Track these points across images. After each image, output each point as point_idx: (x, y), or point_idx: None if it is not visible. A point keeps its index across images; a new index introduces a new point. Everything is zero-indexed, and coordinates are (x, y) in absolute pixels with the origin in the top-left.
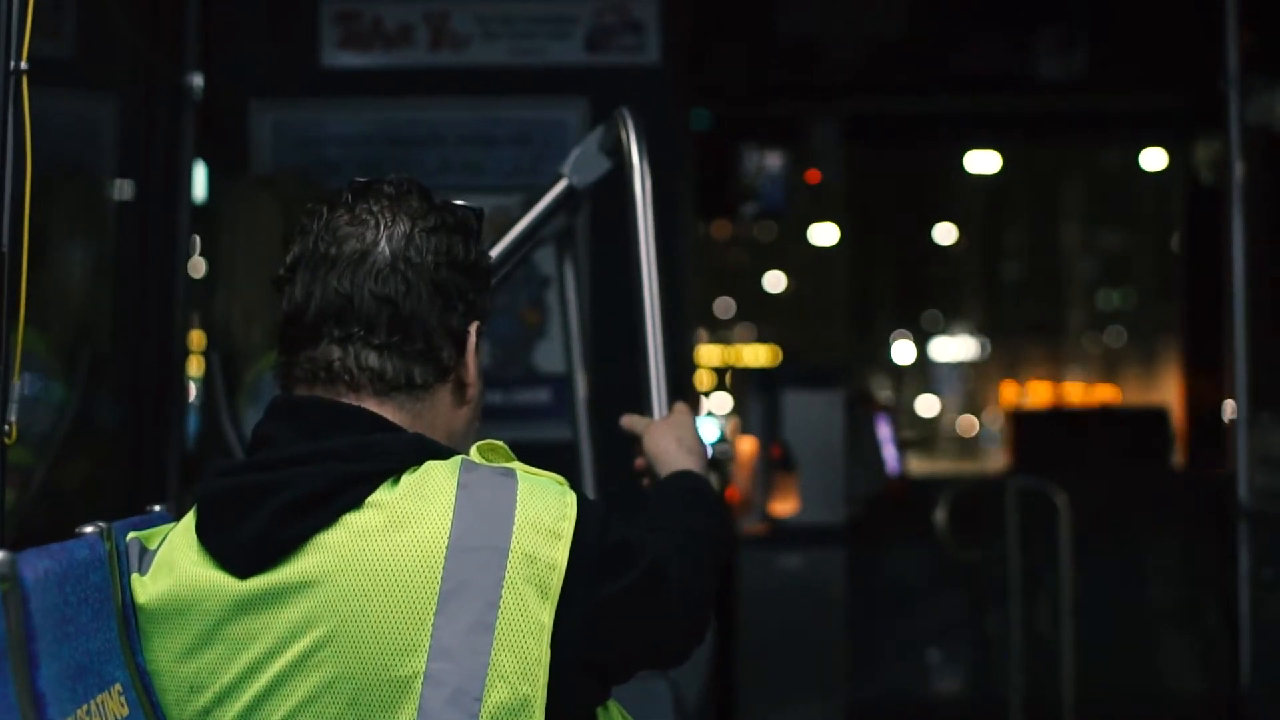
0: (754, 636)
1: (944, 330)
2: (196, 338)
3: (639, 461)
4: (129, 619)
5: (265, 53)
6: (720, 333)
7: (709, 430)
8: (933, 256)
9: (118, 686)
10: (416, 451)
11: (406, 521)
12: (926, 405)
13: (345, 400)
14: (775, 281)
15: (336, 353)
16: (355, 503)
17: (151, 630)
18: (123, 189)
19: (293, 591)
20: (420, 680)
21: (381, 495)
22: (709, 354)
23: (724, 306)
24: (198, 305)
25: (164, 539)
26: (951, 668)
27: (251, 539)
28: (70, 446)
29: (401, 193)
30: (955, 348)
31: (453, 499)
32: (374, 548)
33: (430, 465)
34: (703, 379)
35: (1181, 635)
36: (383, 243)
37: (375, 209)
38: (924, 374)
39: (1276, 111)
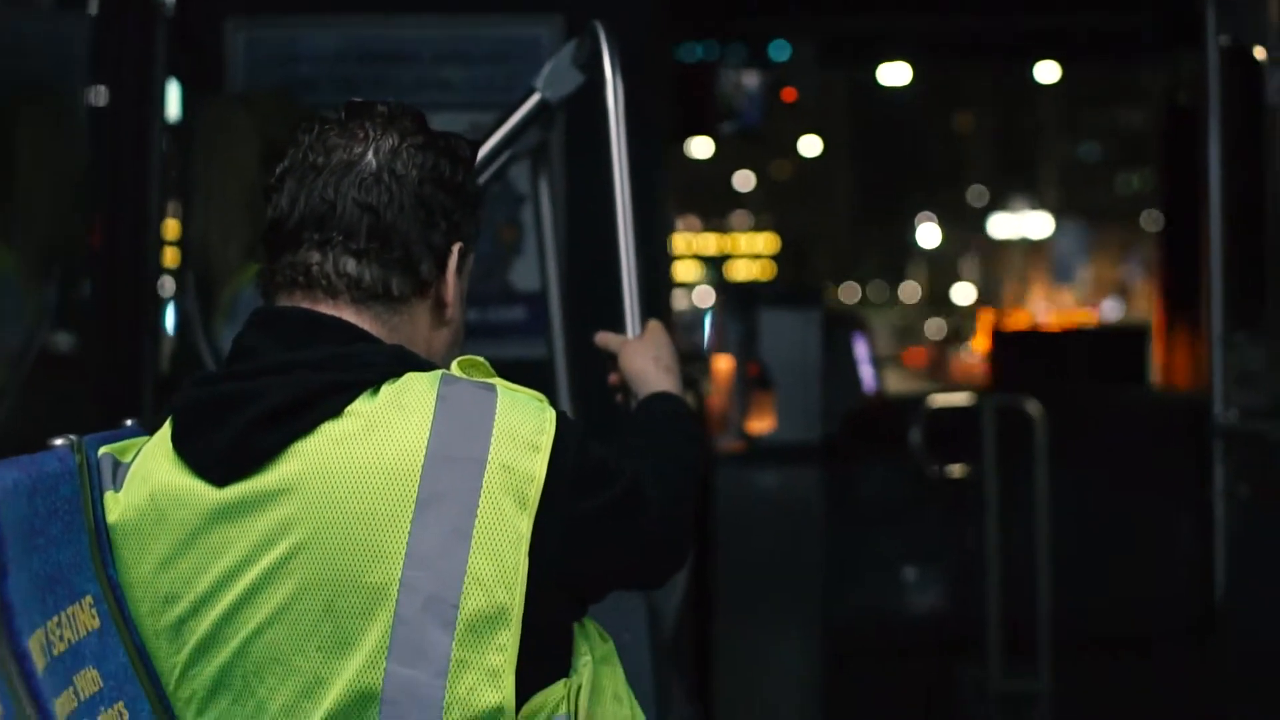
0: (731, 553)
1: (1002, 207)
2: (171, 255)
3: (613, 378)
4: (100, 531)
5: None
6: (716, 220)
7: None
8: (944, 143)
9: (89, 598)
10: (397, 363)
11: (384, 430)
12: (962, 293)
13: (325, 311)
14: (779, 169)
15: (315, 257)
16: (334, 412)
17: (126, 542)
18: (94, 106)
19: (268, 498)
20: (395, 587)
21: (360, 405)
22: (705, 242)
23: (744, 180)
24: (173, 221)
25: (138, 452)
26: (928, 584)
27: (228, 447)
28: (43, 363)
29: (395, 113)
30: (1022, 224)
31: (431, 410)
32: (350, 455)
33: (410, 376)
34: (690, 271)
35: (1158, 551)
36: (370, 154)
37: (368, 124)
38: (948, 259)
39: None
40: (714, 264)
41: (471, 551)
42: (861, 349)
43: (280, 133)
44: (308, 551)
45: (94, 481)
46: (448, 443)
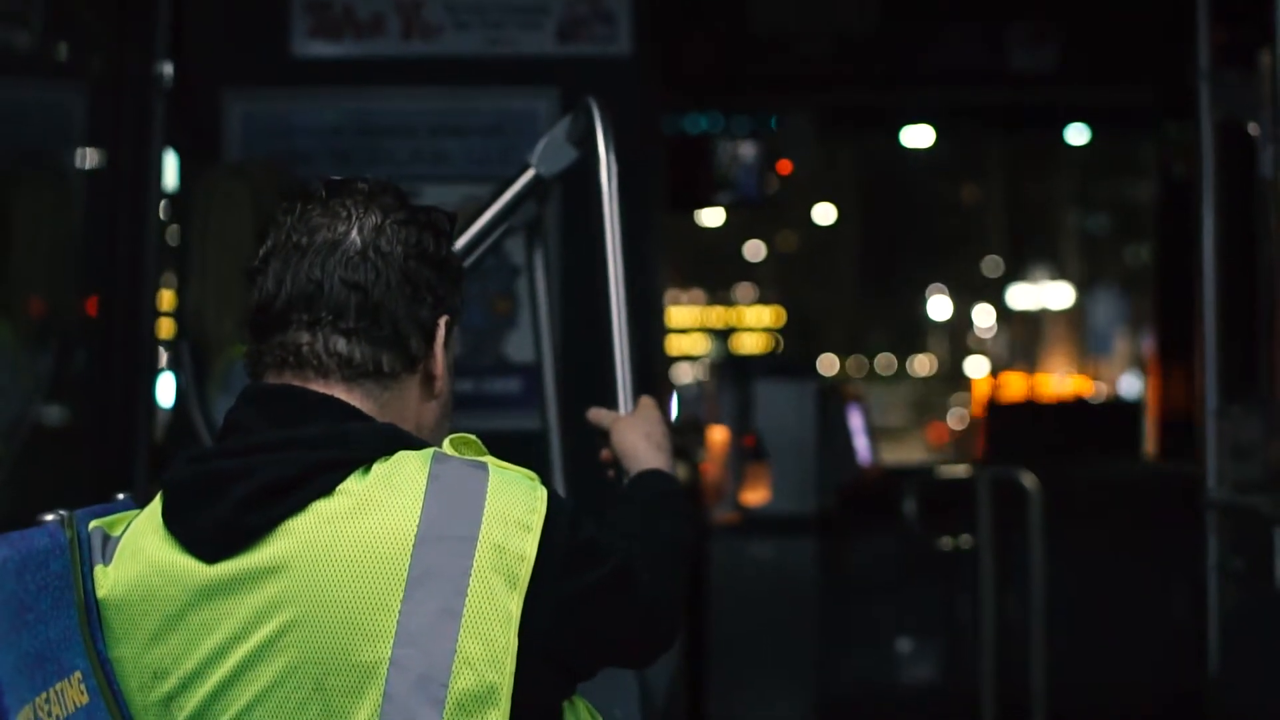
0: (724, 626)
1: (1019, 277)
2: (166, 326)
3: (605, 454)
4: (90, 607)
5: (236, 41)
6: (720, 293)
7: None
8: (951, 215)
9: (78, 674)
10: (389, 441)
11: (376, 509)
12: (975, 367)
13: (316, 389)
14: (785, 241)
15: (305, 337)
16: (326, 490)
17: (115, 617)
18: (91, 178)
19: (259, 576)
20: (385, 666)
21: (352, 483)
22: (708, 316)
23: (754, 250)
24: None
25: (127, 525)
26: (923, 657)
27: (219, 524)
28: (38, 435)
29: (375, 190)
30: (1042, 295)
31: (423, 488)
32: (342, 533)
33: (402, 455)
34: (698, 344)
35: (1152, 626)
36: (354, 233)
37: (349, 203)
38: (959, 332)
39: (1245, 105)
40: (719, 337)
41: (461, 631)
42: (856, 420)
43: (274, 204)
44: (298, 630)
45: (84, 557)
46: (439, 522)
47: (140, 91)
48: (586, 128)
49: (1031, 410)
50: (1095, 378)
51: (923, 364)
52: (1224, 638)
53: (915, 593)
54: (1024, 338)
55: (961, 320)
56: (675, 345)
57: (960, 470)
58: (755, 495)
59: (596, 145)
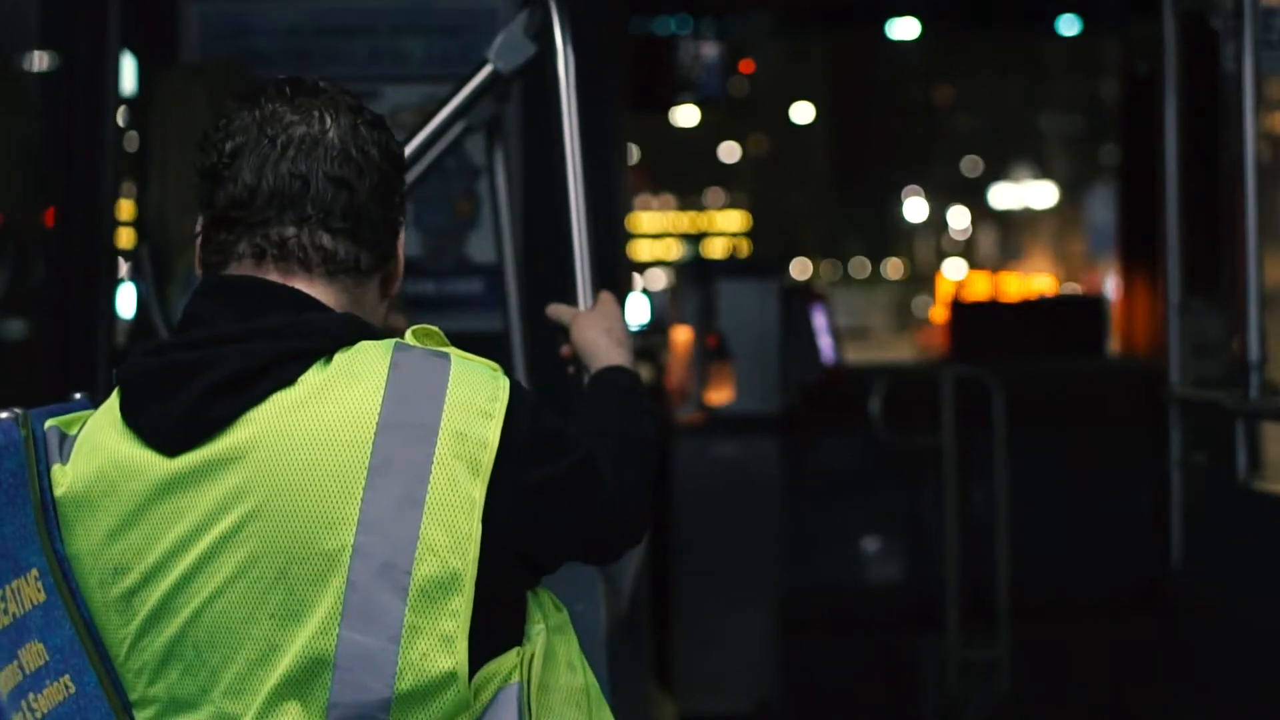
0: (689, 525)
1: (1001, 177)
2: (125, 234)
3: (565, 350)
4: (46, 504)
5: None
6: (691, 198)
7: (639, 310)
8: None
9: (34, 572)
10: (351, 331)
11: (337, 397)
12: (954, 269)
13: (276, 280)
14: (756, 144)
15: (290, 231)
16: (287, 380)
17: (74, 514)
18: (46, 82)
19: (221, 467)
20: (348, 553)
21: (314, 373)
22: (678, 220)
23: (729, 151)
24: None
25: (84, 423)
26: (887, 556)
27: (181, 416)
28: None
29: (336, 91)
30: (1025, 194)
31: (384, 377)
32: (303, 422)
33: (363, 345)
34: (643, 251)
35: (1115, 520)
36: (331, 131)
37: (317, 102)
38: (934, 234)
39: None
40: (691, 241)
41: (424, 518)
42: (820, 320)
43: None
44: (260, 519)
45: (40, 454)
46: (400, 409)
47: None
48: (544, 21)
49: (995, 309)
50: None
51: (896, 267)
52: (1186, 530)
53: (880, 492)
54: (1007, 238)
55: (938, 222)
56: (647, 250)
57: (924, 368)
58: (719, 395)
59: (554, 39)
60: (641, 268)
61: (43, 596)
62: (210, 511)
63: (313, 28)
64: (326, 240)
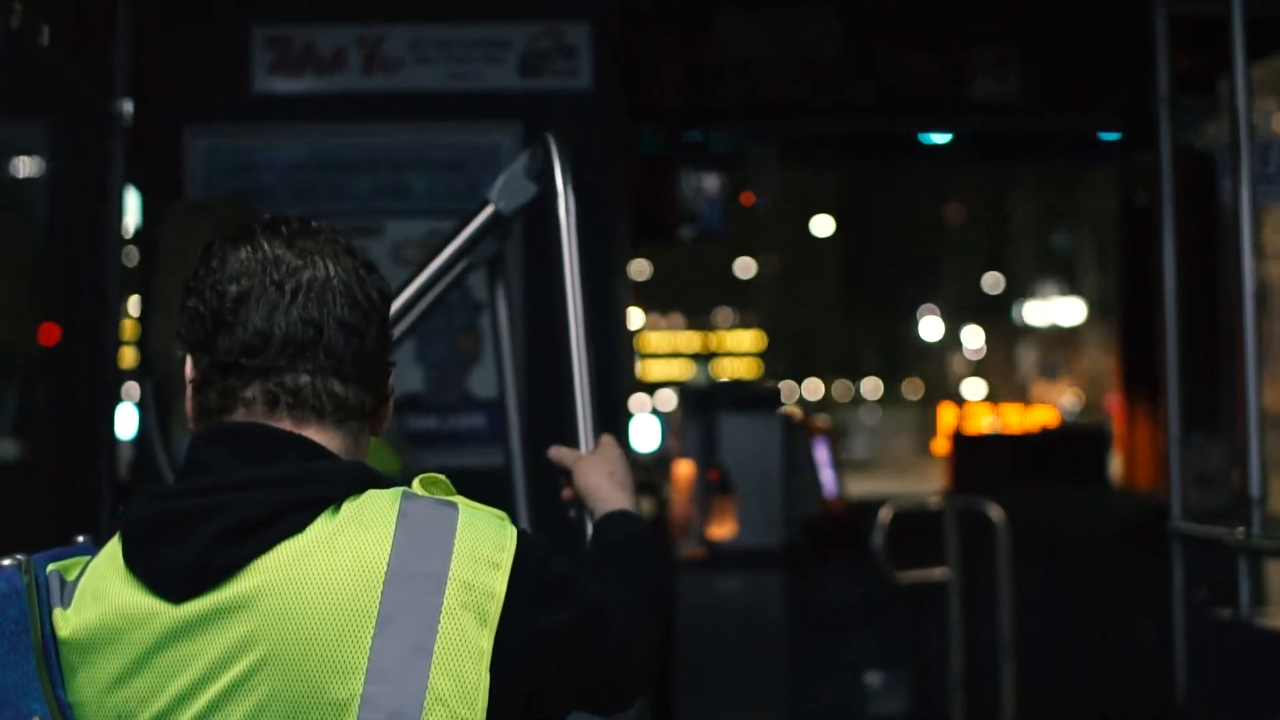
0: (692, 659)
1: (1025, 294)
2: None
3: (567, 493)
4: (49, 651)
5: (197, 78)
6: (700, 318)
7: (650, 432)
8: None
9: (36, 719)
10: (358, 480)
11: (346, 546)
12: (972, 389)
13: (285, 428)
14: (767, 264)
15: (305, 379)
16: (296, 528)
17: (77, 661)
18: (53, 215)
19: (229, 615)
20: (357, 702)
21: (322, 522)
22: (689, 340)
23: (745, 267)
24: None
25: (84, 569)
26: (892, 689)
27: (187, 564)
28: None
29: (327, 229)
30: (1055, 311)
31: (393, 526)
32: (312, 570)
33: (371, 494)
34: (653, 371)
35: (1119, 653)
36: (336, 277)
37: (314, 245)
38: (953, 353)
39: (1206, 132)
40: (702, 361)
41: (433, 668)
42: (822, 453)
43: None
44: (269, 667)
45: (43, 599)
46: (409, 559)
47: (101, 128)
48: (544, 163)
49: (997, 441)
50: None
51: (914, 386)
52: (1190, 665)
53: (883, 624)
54: (1039, 356)
55: (952, 341)
56: (659, 371)
57: (928, 502)
58: (722, 529)
59: (554, 181)
60: (651, 388)
61: None
62: (218, 659)
63: (316, 163)
64: (338, 387)
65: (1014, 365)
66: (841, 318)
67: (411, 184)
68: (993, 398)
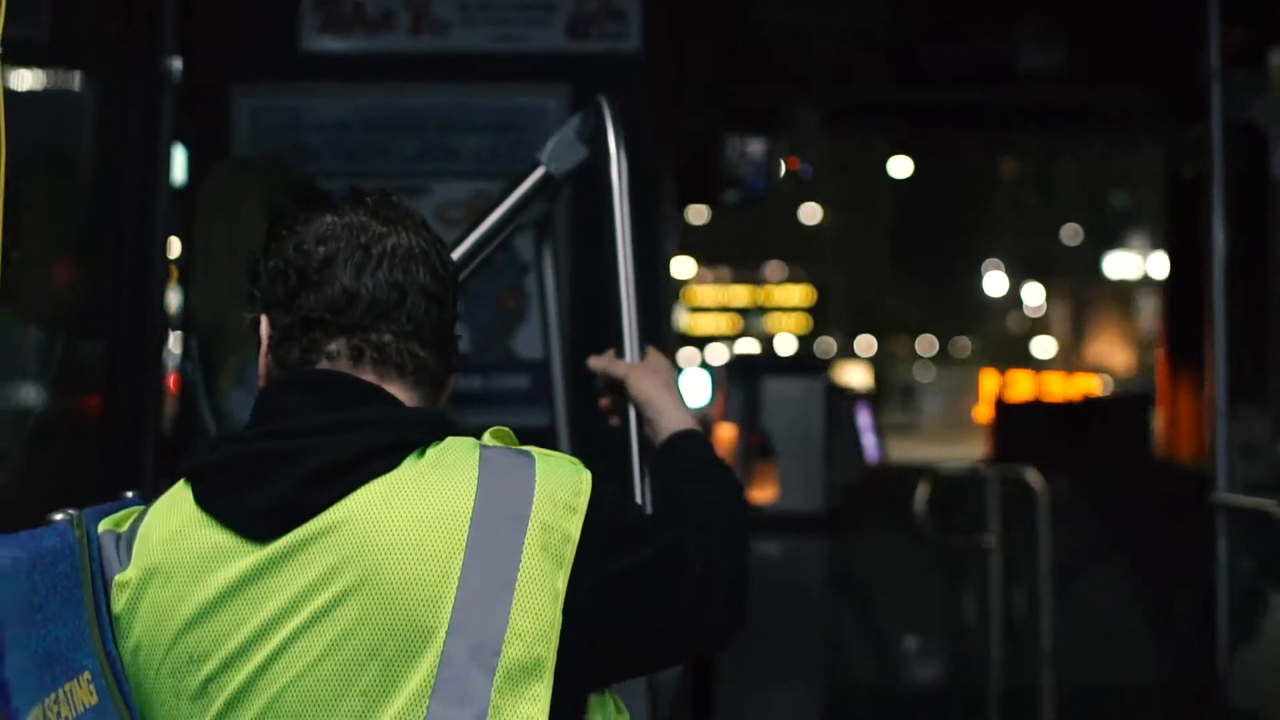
0: None
1: (1111, 246)
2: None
3: (604, 402)
4: (99, 605)
5: (245, 37)
6: (747, 271)
7: (701, 385)
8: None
9: (86, 674)
10: (441, 427)
11: (434, 485)
12: (1043, 347)
13: (372, 380)
14: (811, 213)
15: (389, 338)
16: (384, 469)
17: (144, 608)
18: (99, 174)
19: (314, 548)
20: (444, 630)
21: (409, 464)
22: (738, 294)
23: (810, 213)
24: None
25: (139, 517)
26: (930, 656)
27: (276, 503)
28: (45, 431)
29: (404, 205)
30: (1146, 265)
31: (476, 469)
32: (401, 507)
33: (452, 440)
34: (701, 325)
35: (1160, 624)
36: (417, 247)
37: (396, 215)
38: (1011, 311)
39: (1257, 106)
40: (749, 316)
41: (514, 604)
42: (865, 418)
43: (278, 200)
44: (357, 597)
45: (94, 555)
46: (493, 500)
47: (149, 87)
48: (597, 126)
49: (1039, 409)
50: None
51: (963, 346)
52: (1233, 638)
53: (923, 591)
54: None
55: (1012, 297)
56: (706, 326)
57: (969, 468)
58: (763, 493)
59: (607, 144)
60: (701, 343)
61: (95, 699)
62: (301, 592)
63: (362, 123)
64: (419, 350)
65: (1130, 318)
66: (898, 274)
67: (458, 145)
68: (1065, 363)
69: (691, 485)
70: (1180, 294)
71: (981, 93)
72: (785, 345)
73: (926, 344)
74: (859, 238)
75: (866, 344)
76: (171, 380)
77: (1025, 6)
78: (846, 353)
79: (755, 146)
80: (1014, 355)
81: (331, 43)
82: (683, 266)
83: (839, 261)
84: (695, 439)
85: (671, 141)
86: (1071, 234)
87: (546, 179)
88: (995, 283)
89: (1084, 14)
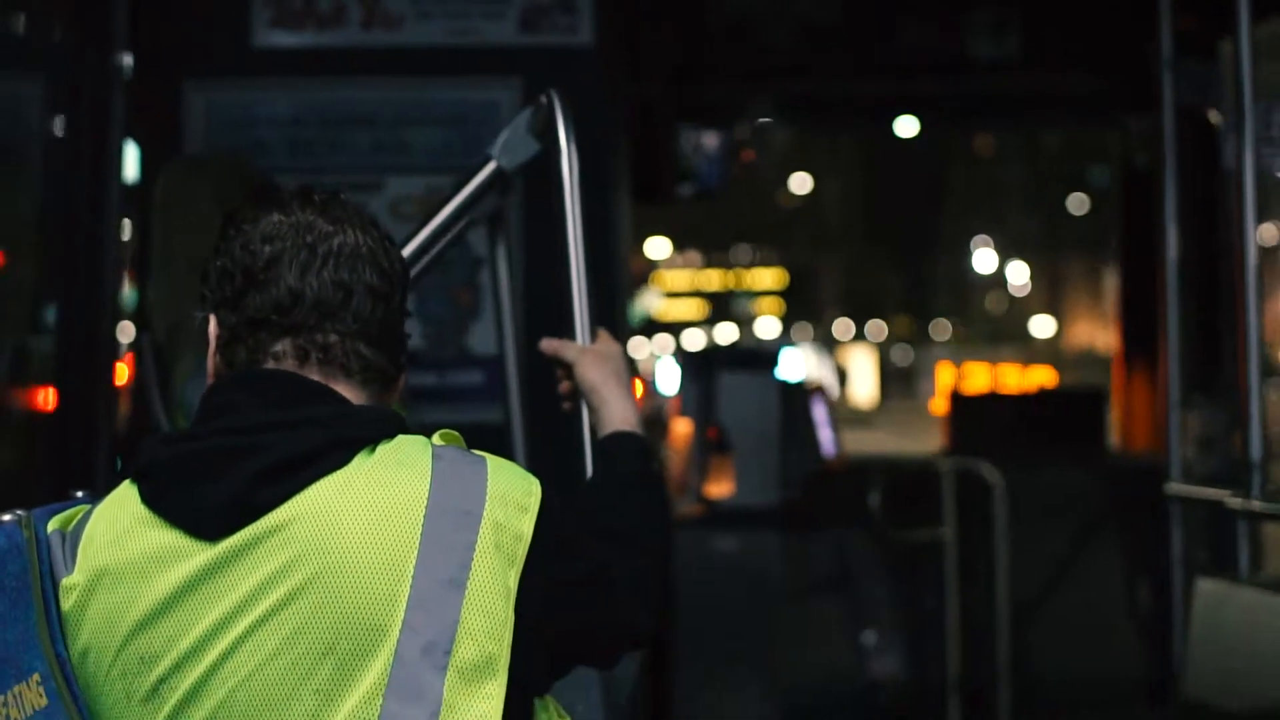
0: (688, 619)
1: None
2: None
3: (565, 385)
4: (49, 607)
5: (196, 32)
6: (716, 255)
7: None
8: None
9: (36, 676)
10: (392, 425)
11: (386, 481)
12: (1041, 326)
13: (314, 378)
14: (786, 199)
15: (334, 338)
16: (336, 465)
17: (92, 610)
18: (51, 168)
19: (266, 545)
20: (398, 629)
21: (360, 460)
22: (709, 279)
23: (801, 182)
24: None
25: (84, 517)
26: (887, 650)
27: (227, 500)
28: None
29: (353, 204)
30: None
31: (429, 466)
32: (353, 503)
33: (403, 438)
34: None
35: (1115, 616)
36: (364, 246)
37: (344, 214)
38: (993, 291)
39: (1208, 95)
40: (718, 301)
41: (465, 602)
42: (820, 412)
43: (234, 197)
44: (309, 594)
45: (43, 557)
46: (446, 497)
47: (99, 82)
48: (548, 121)
49: (995, 402)
50: None
51: (943, 328)
52: (1187, 628)
53: (879, 585)
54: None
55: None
56: (678, 311)
57: (924, 462)
58: (719, 488)
59: (558, 139)
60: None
61: (44, 701)
62: (253, 590)
63: (316, 118)
64: (365, 350)
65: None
66: (868, 253)
67: (411, 140)
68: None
69: (622, 502)
70: (1135, 286)
71: (935, 83)
72: (767, 329)
73: (904, 326)
74: (835, 217)
75: (844, 327)
76: (127, 361)
77: None
78: (824, 339)
79: (709, 139)
80: (1005, 335)
81: (283, 37)
82: (659, 247)
83: (813, 243)
84: (629, 443)
85: (624, 134)
86: (1077, 204)
87: (498, 174)
88: (985, 260)
89: (1036, 3)
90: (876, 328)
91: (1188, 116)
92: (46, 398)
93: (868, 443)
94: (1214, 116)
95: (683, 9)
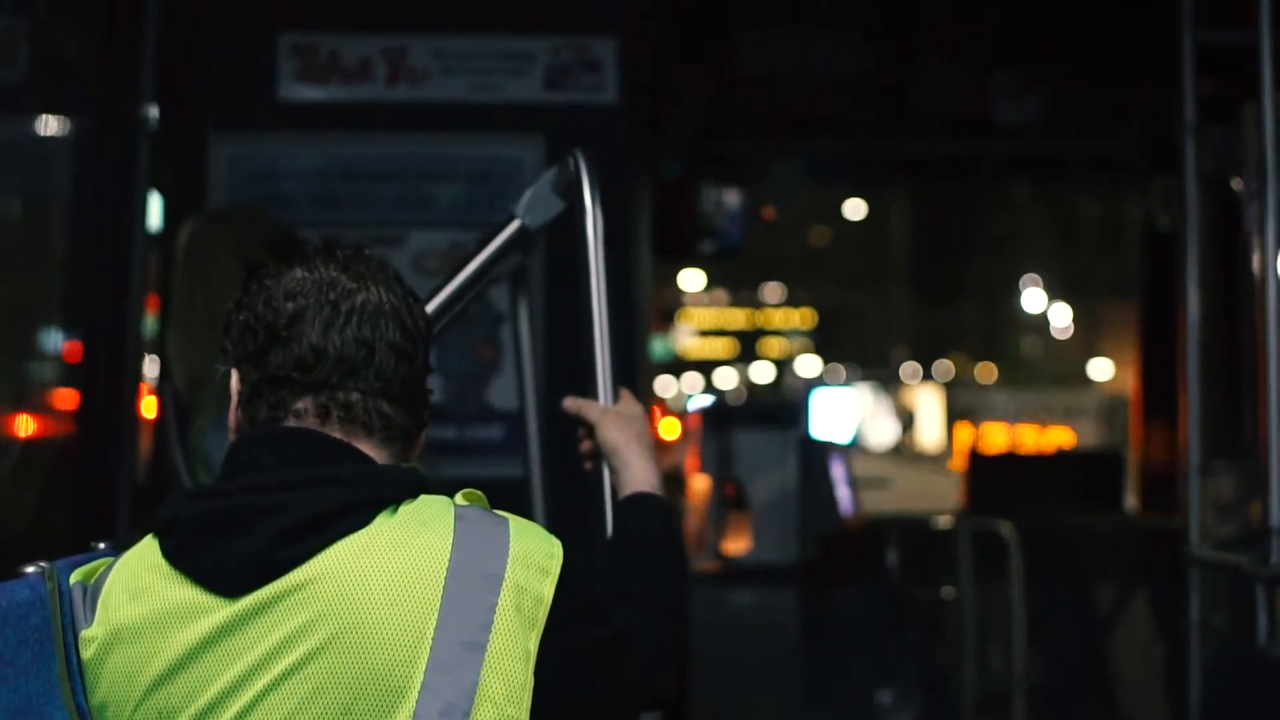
0: (705, 675)
1: None
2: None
3: (586, 445)
4: (70, 658)
5: (223, 85)
6: (744, 294)
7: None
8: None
9: None
10: (414, 485)
11: (409, 543)
12: (1099, 369)
13: (337, 436)
14: (818, 234)
15: (356, 396)
16: (358, 525)
17: (111, 663)
18: (76, 219)
19: (287, 604)
20: (417, 690)
21: (383, 519)
22: (734, 318)
23: (854, 208)
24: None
25: (106, 570)
26: (903, 708)
27: (249, 558)
28: (17, 481)
29: (378, 260)
30: None
31: (451, 527)
32: (375, 563)
33: (425, 498)
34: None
35: (1133, 679)
36: (387, 303)
37: (367, 270)
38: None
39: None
40: (745, 339)
41: (484, 665)
42: (839, 470)
43: (255, 250)
44: (330, 653)
45: (65, 609)
46: (468, 558)
47: (125, 133)
48: (573, 180)
49: (1013, 462)
50: None
51: (987, 370)
52: (1205, 693)
53: (896, 643)
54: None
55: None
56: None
57: (941, 521)
58: (736, 545)
59: (583, 198)
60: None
61: None
62: (273, 648)
63: (339, 172)
64: (387, 408)
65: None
66: (909, 295)
67: (434, 195)
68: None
69: (643, 563)
70: (1155, 348)
71: (959, 144)
72: (808, 368)
73: (944, 369)
74: (866, 256)
75: (944, 369)
76: (151, 402)
77: (1002, 59)
78: (880, 378)
79: (730, 197)
80: (1055, 376)
81: (308, 91)
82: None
83: (842, 283)
84: (650, 506)
85: (648, 193)
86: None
87: (522, 232)
88: (1034, 299)
89: (1060, 67)
90: (944, 368)
91: (1211, 182)
92: (69, 448)
93: (939, 486)
94: (1236, 184)
95: (707, 68)
